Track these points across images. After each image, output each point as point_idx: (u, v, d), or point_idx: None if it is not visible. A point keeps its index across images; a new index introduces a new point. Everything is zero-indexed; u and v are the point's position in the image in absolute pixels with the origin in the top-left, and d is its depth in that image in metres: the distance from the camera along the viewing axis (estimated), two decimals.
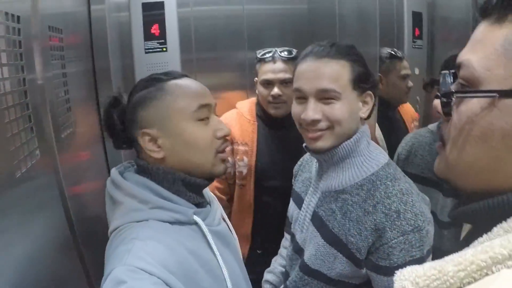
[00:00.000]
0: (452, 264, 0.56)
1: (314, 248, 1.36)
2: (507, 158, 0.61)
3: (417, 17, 3.34)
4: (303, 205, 1.47)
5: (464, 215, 0.69)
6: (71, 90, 1.73)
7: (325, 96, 1.28)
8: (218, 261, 1.18)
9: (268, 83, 2.11)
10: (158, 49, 2.44)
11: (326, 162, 1.38)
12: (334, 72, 1.27)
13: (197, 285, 1.09)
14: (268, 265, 1.79)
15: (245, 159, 2.16)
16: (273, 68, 2.10)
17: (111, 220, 1.17)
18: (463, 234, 0.94)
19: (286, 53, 2.12)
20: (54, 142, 1.44)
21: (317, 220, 1.38)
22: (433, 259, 1.23)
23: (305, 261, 1.39)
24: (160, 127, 1.18)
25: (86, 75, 2.04)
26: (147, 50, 2.43)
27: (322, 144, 1.31)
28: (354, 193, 1.31)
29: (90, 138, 2.01)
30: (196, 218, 1.17)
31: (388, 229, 1.21)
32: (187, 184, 1.20)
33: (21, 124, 1.21)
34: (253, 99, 2.34)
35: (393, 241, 1.21)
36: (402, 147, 2.12)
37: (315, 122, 1.29)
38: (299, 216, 1.49)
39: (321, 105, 1.29)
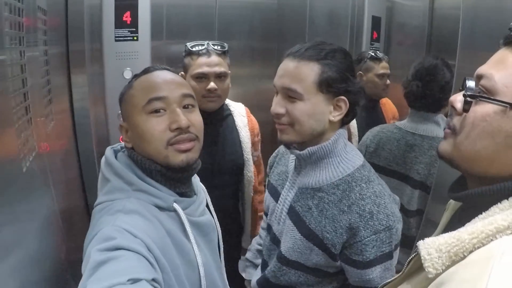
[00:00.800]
0: (466, 233, 0.77)
1: (291, 241, 1.43)
2: (504, 152, 0.82)
3: (376, 21, 3.46)
4: (280, 198, 1.51)
5: (468, 197, 0.90)
6: (51, 78, 1.63)
7: (289, 94, 1.33)
8: (192, 247, 1.21)
9: (203, 77, 2.02)
10: (129, 38, 2.34)
11: (304, 160, 1.42)
12: (299, 73, 1.32)
13: (172, 261, 1.12)
14: None
15: None
16: (208, 61, 2.01)
17: (99, 195, 1.22)
18: (443, 219, 1.12)
19: (219, 46, 2.06)
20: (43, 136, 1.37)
21: (293, 215, 1.43)
22: (401, 244, 1.42)
23: (283, 252, 1.46)
24: (127, 120, 1.24)
25: (61, 59, 1.93)
26: (117, 38, 2.31)
27: (286, 137, 1.39)
28: (330, 192, 1.37)
29: (65, 128, 1.91)
30: (175, 205, 1.20)
31: (362, 228, 1.30)
32: (164, 175, 1.22)
33: (22, 114, 1.13)
34: None
35: (366, 239, 1.30)
36: (370, 139, 2.29)
37: (278, 115, 1.36)
38: (275, 208, 1.53)
39: (286, 101, 1.34)
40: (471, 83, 0.87)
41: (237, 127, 2.18)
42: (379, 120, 2.82)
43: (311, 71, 1.31)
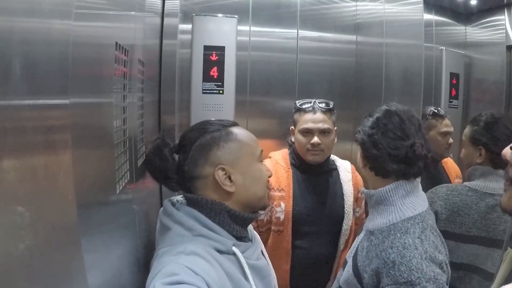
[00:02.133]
0: None
1: (346, 274, 1.57)
2: None
3: (454, 78, 3.48)
4: (356, 237, 1.70)
5: None
6: (145, 122, 1.82)
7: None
8: None
9: (308, 132, 2.20)
10: (215, 91, 2.54)
11: (368, 203, 1.61)
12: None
13: None
14: None
15: (282, 204, 2.20)
16: (313, 118, 2.19)
17: (159, 243, 1.32)
18: (501, 271, 1.10)
19: (324, 104, 2.23)
20: (134, 168, 1.52)
21: (355, 253, 1.57)
22: None
23: (340, 283, 1.62)
24: (233, 165, 1.34)
25: (153, 107, 2.14)
26: (204, 91, 2.53)
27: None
28: (376, 236, 1.49)
29: None
30: (234, 249, 1.28)
31: (384, 275, 1.37)
32: (232, 216, 1.33)
33: (121, 146, 1.30)
34: (284, 150, 2.42)
35: (387, 287, 1.36)
36: (441, 205, 2.09)
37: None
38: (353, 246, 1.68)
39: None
40: None
41: (341, 181, 2.32)
42: (443, 181, 2.69)
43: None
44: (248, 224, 1.43)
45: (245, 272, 1.27)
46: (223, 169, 1.32)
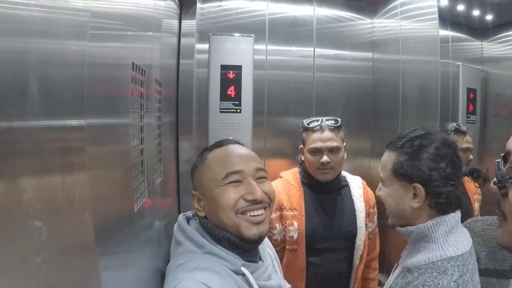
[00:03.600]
0: None
1: None
2: None
3: (471, 93, 3.46)
4: (390, 275, 1.58)
5: None
6: (162, 141, 1.83)
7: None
8: None
9: (317, 151, 2.20)
10: (233, 110, 2.55)
11: (408, 240, 1.50)
12: (383, 161, 1.49)
13: None
14: None
15: (295, 223, 2.20)
16: (321, 137, 2.20)
17: (171, 257, 1.35)
18: None
19: (332, 122, 2.23)
20: (151, 187, 1.53)
21: None
22: None
23: None
24: (201, 191, 1.38)
25: (171, 126, 2.16)
26: (222, 110, 2.54)
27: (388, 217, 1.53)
28: (414, 274, 1.38)
29: (171, 186, 2.10)
30: (244, 269, 1.27)
31: None
32: (232, 244, 1.31)
33: (139, 166, 1.31)
34: (295, 169, 2.42)
35: None
36: (479, 243, 1.86)
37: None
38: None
39: (382, 185, 1.52)
40: (500, 166, 0.84)
41: (353, 197, 2.32)
42: (463, 198, 2.67)
43: (389, 159, 1.45)
44: (252, 251, 1.38)
45: None
46: (194, 195, 1.40)
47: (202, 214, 1.37)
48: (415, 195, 1.40)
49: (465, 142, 2.72)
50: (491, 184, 0.87)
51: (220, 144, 1.45)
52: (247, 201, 1.30)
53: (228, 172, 1.32)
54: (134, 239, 1.22)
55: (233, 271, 1.26)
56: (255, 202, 1.30)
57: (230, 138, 1.51)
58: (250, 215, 1.30)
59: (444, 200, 1.36)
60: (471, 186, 2.79)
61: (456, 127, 2.75)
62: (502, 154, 0.86)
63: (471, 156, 2.71)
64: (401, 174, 1.41)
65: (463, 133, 2.74)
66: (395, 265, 1.62)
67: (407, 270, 1.42)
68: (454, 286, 1.28)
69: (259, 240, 1.33)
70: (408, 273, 1.41)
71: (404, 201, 1.42)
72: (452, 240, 1.39)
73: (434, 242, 1.39)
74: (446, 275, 1.30)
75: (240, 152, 1.41)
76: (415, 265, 1.39)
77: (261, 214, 1.32)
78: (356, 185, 2.36)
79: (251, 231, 1.29)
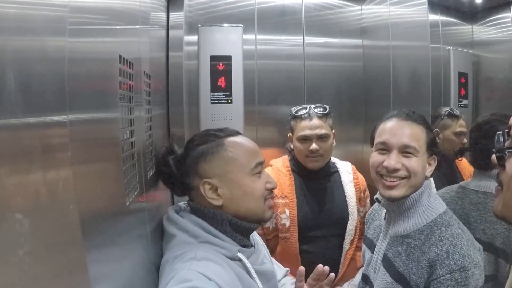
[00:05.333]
0: None
1: (382, 284, 1.56)
2: None
3: (463, 77, 3.47)
4: (375, 249, 1.66)
5: None
6: (153, 134, 1.83)
7: (406, 150, 1.52)
8: None
9: (306, 139, 2.21)
10: (224, 101, 2.56)
11: (394, 212, 1.58)
12: (416, 133, 1.54)
13: None
14: None
15: (287, 211, 2.21)
16: (309, 124, 2.21)
17: (165, 251, 1.37)
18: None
19: (320, 109, 2.24)
20: (143, 180, 1.53)
21: (386, 261, 1.57)
22: None
23: None
24: (221, 178, 1.38)
25: (162, 119, 2.15)
26: (213, 101, 2.54)
27: (396, 193, 1.53)
28: (416, 237, 1.52)
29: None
30: (240, 255, 1.32)
31: (438, 266, 1.42)
32: (234, 225, 1.36)
33: (129, 159, 1.31)
34: (285, 157, 2.44)
35: (442, 278, 1.41)
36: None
37: (395, 170, 1.52)
38: (372, 259, 1.67)
39: (402, 157, 1.53)
40: (500, 138, 0.85)
41: (343, 183, 2.33)
42: (456, 179, 2.70)
43: (422, 132, 1.54)
44: (250, 233, 1.46)
45: (252, 277, 1.30)
46: (208, 183, 1.38)
47: (219, 202, 1.38)
48: (429, 165, 1.58)
49: (459, 126, 2.78)
50: (493, 156, 0.90)
51: (226, 131, 1.48)
52: (267, 189, 1.42)
53: (258, 162, 1.41)
54: (126, 232, 1.22)
55: (230, 258, 1.29)
56: (272, 190, 1.44)
57: (228, 127, 1.53)
58: (269, 202, 1.44)
59: (436, 168, 1.59)
60: (466, 170, 2.84)
61: (449, 111, 2.81)
62: (507, 130, 0.88)
63: (465, 140, 2.75)
64: (433, 147, 1.57)
65: (457, 117, 2.79)
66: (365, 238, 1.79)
67: (404, 237, 1.54)
68: (461, 231, 1.51)
69: (270, 218, 1.53)
70: (406, 239, 1.53)
71: (423, 170, 1.55)
72: (433, 200, 1.59)
73: (421, 206, 1.55)
74: (451, 225, 1.50)
75: (254, 144, 1.50)
76: (412, 229, 1.53)
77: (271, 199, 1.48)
78: (346, 170, 2.38)
79: (269, 213, 1.44)
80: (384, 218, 1.67)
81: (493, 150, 0.88)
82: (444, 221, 1.52)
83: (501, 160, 0.84)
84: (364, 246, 1.81)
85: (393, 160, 1.52)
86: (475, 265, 1.42)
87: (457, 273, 1.39)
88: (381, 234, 1.66)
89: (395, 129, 1.55)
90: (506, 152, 0.82)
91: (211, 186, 1.38)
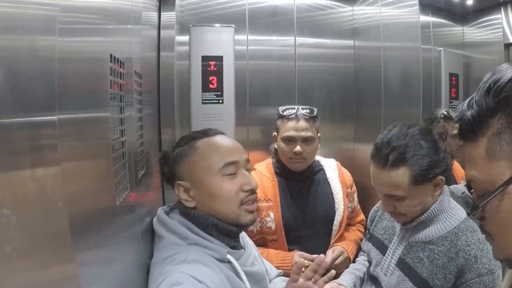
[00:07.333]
0: None
1: None
2: None
3: (453, 78, 3.48)
4: (388, 252, 1.66)
5: None
6: (144, 133, 1.83)
7: (393, 197, 1.52)
8: None
9: (290, 140, 2.18)
10: (215, 101, 2.55)
11: (416, 220, 1.59)
12: (394, 181, 1.48)
13: None
14: None
15: (271, 214, 2.19)
16: (296, 126, 2.17)
17: (155, 252, 1.37)
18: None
19: (308, 111, 2.20)
20: (134, 180, 1.53)
21: (404, 266, 1.59)
22: None
23: None
24: (191, 180, 1.38)
25: (153, 119, 2.15)
26: (204, 101, 2.54)
27: (401, 220, 1.62)
28: (439, 243, 1.54)
29: (155, 179, 2.10)
30: (229, 257, 1.31)
31: (467, 271, 1.47)
32: (220, 229, 1.36)
33: (120, 158, 1.31)
34: (268, 160, 2.41)
35: (470, 281, 1.46)
36: None
37: (391, 213, 1.60)
38: (382, 261, 1.67)
39: (393, 201, 1.53)
40: (468, 200, 0.87)
41: (329, 180, 2.31)
42: (450, 182, 2.63)
43: (403, 176, 1.46)
44: (237, 236, 1.44)
45: (242, 279, 1.30)
46: (181, 185, 1.39)
47: (191, 204, 1.38)
48: (435, 186, 1.52)
49: (455, 128, 2.70)
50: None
51: (206, 133, 1.46)
52: (245, 191, 1.37)
53: (226, 162, 1.37)
54: (116, 232, 1.21)
55: (219, 260, 1.29)
56: (252, 191, 1.38)
57: (213, 128, 1.52)
58: (248, 206, 1.38)
59: (447, 174, 1.54)
60: (458, 172, 2.84)
61: (445, 114, 2.78)
62: (465, 184, 0.90)
63: (460, 142, 2.71)
64: (424, 179, 1.48)
65: (453, 119, 2.74)
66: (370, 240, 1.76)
67: (425, 243, 1.55)
68: (482, 237, 1.48)
69: (252, 224, 1.41)
70: (428, 245, 1.54)
71: (426, 197, 1.52)
72: (454, 205, 1.60)
73: (443, 212, 1.57)
74: (476, 231, 1.52)
75: (232, 143, 1.46)
76: (435, 236, 1.55)
77: (255, 203, 1.41)
78: (330, 167, 2.36)
79: (247, 218, 1.38)
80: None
81: (467, 212, 0.89)
82: (468, 227, 1.54)
83: (477, 214, 0.86)
84: (369, 244, 1.81)
85: (383, 206, 1.58)
86: (499, 267, 1.47)
87: (485, 276, 1.44)
88: (395, 237, 1.66)
89: (375, 178, 1.55)
90: (479, 208, 0.83)
91: (184, 188, 1.40)
